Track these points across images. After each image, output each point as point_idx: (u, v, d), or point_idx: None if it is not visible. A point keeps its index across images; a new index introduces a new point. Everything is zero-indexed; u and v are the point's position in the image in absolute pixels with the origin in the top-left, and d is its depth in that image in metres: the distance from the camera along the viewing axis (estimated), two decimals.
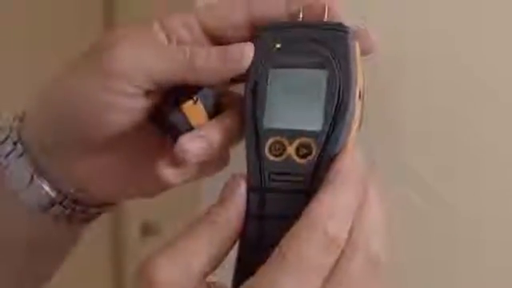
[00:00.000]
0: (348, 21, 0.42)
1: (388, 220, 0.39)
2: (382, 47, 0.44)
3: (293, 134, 0.41)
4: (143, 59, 0.43)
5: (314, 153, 0.40)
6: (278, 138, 0.41)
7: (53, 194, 0.48)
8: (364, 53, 0.42)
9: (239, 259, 0.41)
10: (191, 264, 0.38)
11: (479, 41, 0.45)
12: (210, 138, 0.43)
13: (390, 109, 0.47)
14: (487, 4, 0.45)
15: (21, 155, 0.48)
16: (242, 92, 0.43)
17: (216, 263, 0.39)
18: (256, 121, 0.41)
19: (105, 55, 0.44)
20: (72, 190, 0.49)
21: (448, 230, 0.47)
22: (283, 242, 0.37)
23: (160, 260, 0.38)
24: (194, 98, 0.44)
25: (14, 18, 1.56)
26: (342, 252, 0.37)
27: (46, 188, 0.48)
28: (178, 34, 0.45)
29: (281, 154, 0.41)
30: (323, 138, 0.40)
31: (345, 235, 0.37)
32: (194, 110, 0.44)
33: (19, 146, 0.48)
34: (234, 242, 0.40)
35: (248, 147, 0.42)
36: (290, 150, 0.41)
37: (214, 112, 0.45)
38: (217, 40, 0.45)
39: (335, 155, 0.40)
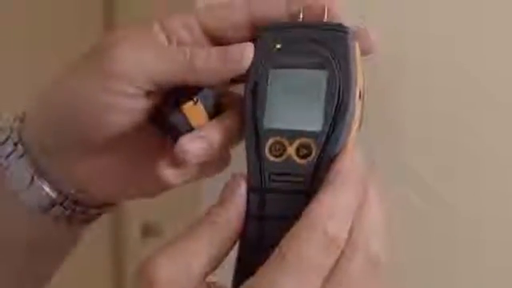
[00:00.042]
0: (348, 21, 0.42)
1: (388, 220, 0.39)
2: (381, 47, 0.44)
3: (293, 135, 0.41)
4: (143, 60, 0.43)
5: (314, 153, 0.40)
6: (278, 139, 0.41)
7: (53, 194, 0.48)
8: (364, 53, 0.42)
9: (239, 259, 0.41)
10: (191, 264, 0.38)
11: (479, 41, 0.45)
12: (210, 138, 0.43)
13: (390, 109, 0.47)
14: (487, 4, 0.45)
15: (21, 156, 0.48)
16: (242, 92, 0.43)
17: (216, 263, 0.39)
18: (256, 121, 0.42)
19: (105, 56, 0.44)
20: (72, 191, 0.49)
21: (448, 230, 0.47)
22: (283, 242, 0.37)
23: (160, 260, 0.38)
24: (195, 99, 0.44)
25: (14, 18, 1.56)
26: (342, 252, 0.37)
27: (47, 189, 0.48)
28: (178, 35, 0.45)
29: (281, 155, 0.41)
30: (323, 138, 0.40)
31: (345, 235, 0.37)
32: (194, 111, 0.44)
33: (20, 146, 0.48)
34: (234, 243, 0.40)
35: (248, 148, 0.42)
36: (290, 150, 0.41)
37: (215, 112, 0.45)
38: (217, 41, 0.45)
39: (335, 155, 0.40)
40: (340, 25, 0.41)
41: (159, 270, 0.38)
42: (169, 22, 0.45)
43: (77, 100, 0.45)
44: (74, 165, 0.47)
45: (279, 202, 0.40)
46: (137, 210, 1.69)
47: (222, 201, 0.41)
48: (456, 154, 0.46)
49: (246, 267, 0.39)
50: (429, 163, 0.47)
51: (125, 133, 0.45)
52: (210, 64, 0.43)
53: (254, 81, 0.42)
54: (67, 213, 0.49)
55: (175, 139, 0.43)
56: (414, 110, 0.47)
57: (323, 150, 0.40)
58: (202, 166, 0.46)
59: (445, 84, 0.46)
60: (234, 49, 0.43)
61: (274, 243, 0.37)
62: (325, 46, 0.41)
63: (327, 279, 0.37)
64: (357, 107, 0.41)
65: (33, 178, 0.48)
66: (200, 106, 0.44)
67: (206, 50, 0.43)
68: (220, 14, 0.45)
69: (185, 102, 0.44)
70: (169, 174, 0.45)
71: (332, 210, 0.37)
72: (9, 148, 0.48)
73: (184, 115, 0.44)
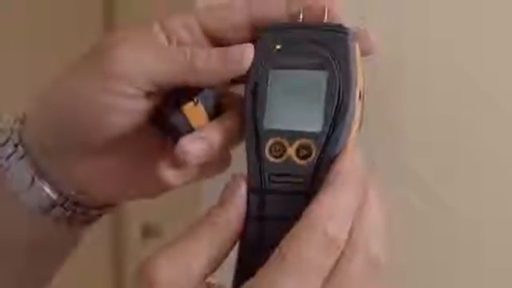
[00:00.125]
0: (348, 22, 0.42)
1: (388, 221, 0.39)
2: (381, 48, 0.44)
3: (293, 135, 0.41)
4: (144, 61, 0.43)
5: (313, 154, 0.40)
6: (278, 139, 0.41)
7: (54, 195, 0.48)
8: (364, 54, 0.42)
9: (239, 260, 0.41)
10: (191, 265, 0.38)
11: (478, 42, 0.45)
12: (210, 139, 0.43)
13: (390, 110, 0.47)
14: (486, 6, 0.45)
15: (22, 157, 0.48)
16: (243, 93, 0.43)
17: (216, 264, 0.39)
18: (256, 122, 0.42)
19: (105, 57, 0.44)
20: (73, 192, 0.49)
21: (448, 231, 0.47)
22: (283, 243, 0.37)
23: (160, 260, 0.38)
24: (195, 100, 0.44)
25: (14, 18, 1.56)
26: (342, 253, 0.37)
27: (47, 190, 0.48)
28: (179, 36, 0.45)
29: (281, 156, 0.41)
30: (323, 139, 0.40)
31: (345, 236, 0.37)
32: (194, 112, 0.44)
33: (20, 148, 0.48)
34: (234, 243, 0.40)
35: (248, 148, 0.42)
36: (290, 151, 0.41)
37: (215, 113, 0.45)
38: (217, 41, 0.45)
39: (335, 156, 0.40)
40: (340, 26, 0.41)
41: (159, 271, 0.38)
42: (169, 22, 0.45)
43: (77, 101, 0.45)
44: (75, 166, 0.47)
45: (279, 203, 0.40)
46: (137, 210, 1.69)
47: (222, 202, 0.41)
48: (456, 155, 0.46)
49: (246, 268, 0.39)
50: (429, 164, 0.47)
51: (125, 134, 0.45)
52: (211, 65, 0.43)
53: (254, 81, 0.42)
54: (68, 214, 0.49)
55: (175, 140, 0.43)
56: (414, 111, 0.47)
57: (323, 151, 0.40)
58: (203, 167, 0.46)
59: (444, 85, 0.46)
60: (235, 49, 0.43)
61: (274, 244, 0.37)
62: (325, 47, 0.41)
63: (327, 280, 0.37)
64: (357, 108, 0.41)
65: (33, 179, 0.48)
66: (200, 107, 0.44)
67: (206, 51, 0.43)
68: (220, 14, 0.45)
69: (185, 102, 0.44)
70: (169, 174, 0.45)
71: (332, 211, 0.37)
72: (9, 149, 0.48)
73: (184, 116, 0.44)
